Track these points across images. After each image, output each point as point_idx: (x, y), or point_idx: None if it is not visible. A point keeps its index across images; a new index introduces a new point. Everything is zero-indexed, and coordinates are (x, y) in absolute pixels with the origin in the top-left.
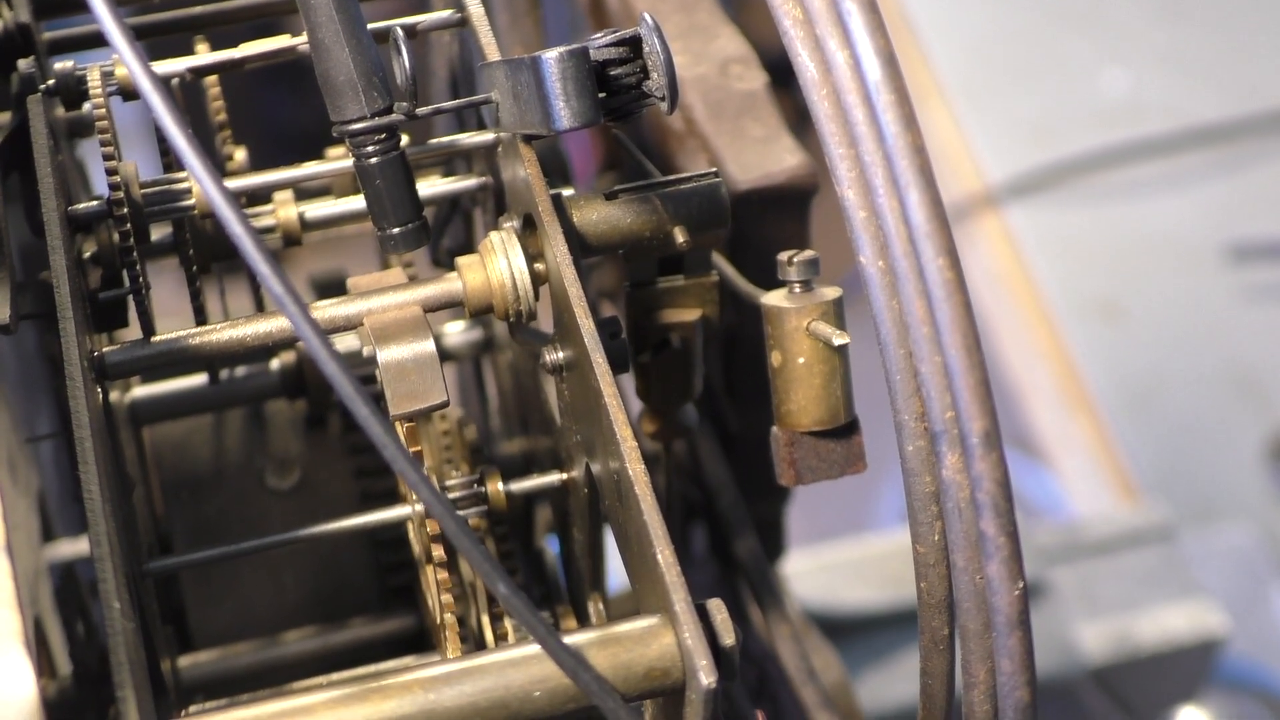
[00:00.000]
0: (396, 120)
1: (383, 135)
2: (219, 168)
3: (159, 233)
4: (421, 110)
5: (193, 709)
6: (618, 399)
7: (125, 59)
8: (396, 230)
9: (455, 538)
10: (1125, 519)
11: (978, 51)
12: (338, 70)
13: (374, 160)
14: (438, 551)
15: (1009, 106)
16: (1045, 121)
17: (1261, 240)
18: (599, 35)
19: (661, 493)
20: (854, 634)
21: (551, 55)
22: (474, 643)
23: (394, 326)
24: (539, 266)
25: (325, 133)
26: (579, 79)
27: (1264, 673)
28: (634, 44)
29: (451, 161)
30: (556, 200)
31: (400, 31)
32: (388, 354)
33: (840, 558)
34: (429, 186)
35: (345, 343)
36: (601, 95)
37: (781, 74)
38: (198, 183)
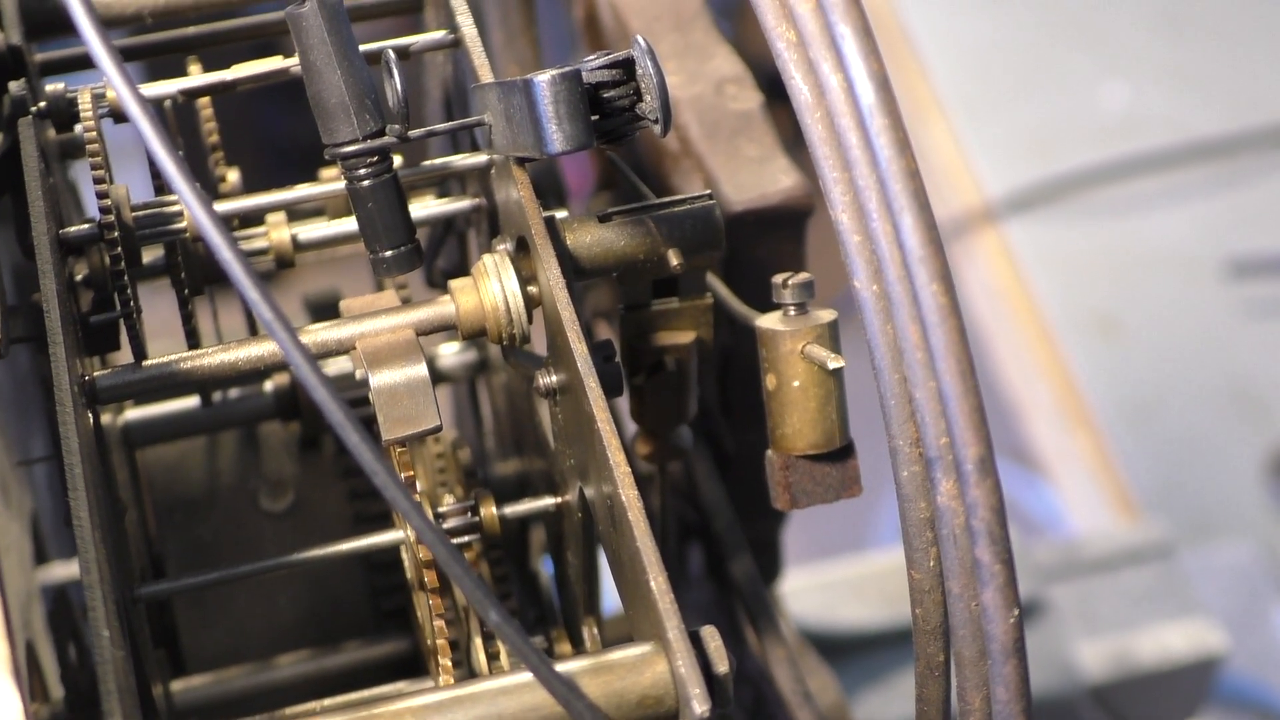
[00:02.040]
0: (388, 143)
1: (375, 158)
2: (211, 190)
3: (151, 255)
4: (414, 133)
5: None
6: (611, 424)
7: (113, 82)
8: (389, 253)
9: (447, 565)
10: (1124, 536)
11: (977, 66)
12: (329, 92)
13: (366, 183)
14: (430, 578)
15: (1008, 121)
16: (1044, 136)
17: (1261, 255)
18: (592, 57)
19: (655, 515)
20: (852, 653)
21: (544, 78)
22: (467, 665)
23: (386, 351)
24: (532, 289)
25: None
26: (571, 102)
27: (1264, 690)
28: (627, 66)
29: (445, 182)
30: (550, 223)
31: (392, 54)
32: (380, 379)
33: (838, 575)
34: (423, 208)
35: (338, 364)
36: (594, 118)
37: (779, 89)
38: (186, 207)
